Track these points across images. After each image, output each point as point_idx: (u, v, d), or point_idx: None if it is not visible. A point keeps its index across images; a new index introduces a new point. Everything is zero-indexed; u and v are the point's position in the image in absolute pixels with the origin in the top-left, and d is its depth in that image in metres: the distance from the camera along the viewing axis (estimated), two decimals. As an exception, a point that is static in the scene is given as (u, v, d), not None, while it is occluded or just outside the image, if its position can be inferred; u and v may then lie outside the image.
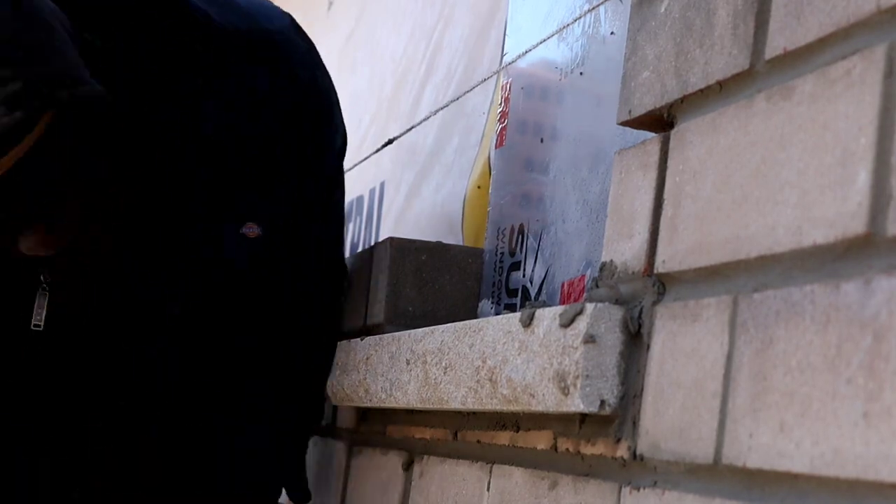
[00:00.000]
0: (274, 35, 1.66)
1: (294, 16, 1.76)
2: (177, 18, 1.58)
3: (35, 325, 1.63)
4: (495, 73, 1.99)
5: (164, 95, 1.58)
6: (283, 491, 1.78)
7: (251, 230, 1.62)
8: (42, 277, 1.62)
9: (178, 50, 1.58)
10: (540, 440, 1.18)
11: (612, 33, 1.60)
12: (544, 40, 1.72)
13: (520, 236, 1.81)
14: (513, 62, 1.84)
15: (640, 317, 1.01)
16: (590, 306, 1.02)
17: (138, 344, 1.65)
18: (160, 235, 1.62)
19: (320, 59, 1.73)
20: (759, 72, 0.90)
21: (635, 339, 1.01)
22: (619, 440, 1.02)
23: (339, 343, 1.74)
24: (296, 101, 1.65)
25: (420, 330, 1.42)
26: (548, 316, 1.08)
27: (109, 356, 1.66)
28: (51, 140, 1.42)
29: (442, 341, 1.33)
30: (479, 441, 1.34)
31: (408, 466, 1.56)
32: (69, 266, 1.63)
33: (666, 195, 1.00)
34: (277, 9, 1.73)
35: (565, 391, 1.03)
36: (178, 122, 1.59)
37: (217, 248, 1.62)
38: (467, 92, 2.04)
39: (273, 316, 1.69)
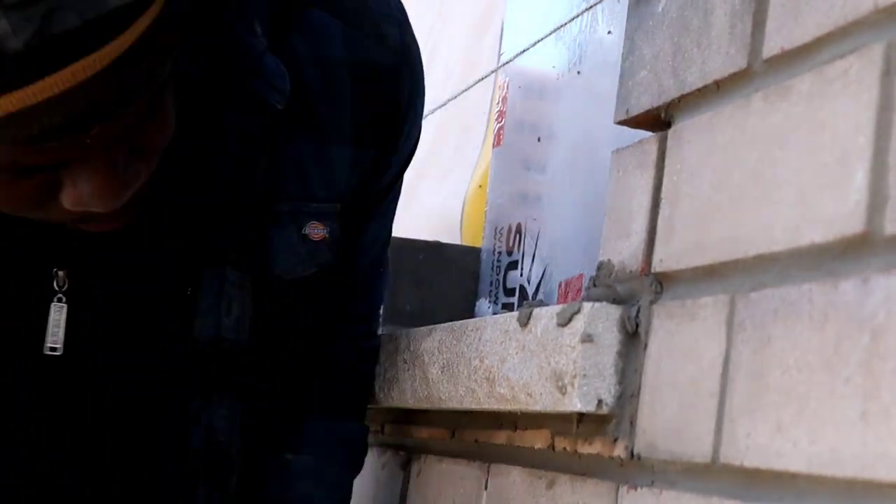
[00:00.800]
0: None
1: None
2: None
3: (51, 349, 1.24)
4: (492, 73, 1.99)
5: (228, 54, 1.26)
6: None
7: (317, 231, 1.34)
8: (55, 282, 1.24)
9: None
10: (537, 439, 1.18)
11: (609, 32, 1.60)
12: (541, 39, 1.72)
13: (517, 235, 1.81)
14: (510, 61, 1.84)
15: (637, 316, 1.01)
16: (587, 305, 1.02)
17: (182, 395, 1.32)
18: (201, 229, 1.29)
19: (410, 25, 1.39)
20: (757, 71, 0.90)
21: (633, 339, 1.01)
22: (616, 439, 1.02)
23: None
24: (385, 65, 1.34)
25: (417, 329, 1.42)
26: (545, 315, 1.08)
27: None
28: (166, 22, 1.00)
29: (440, 340, 1.33)
30: (476, 440, 1.34)
31: (406, 466, 1.56)
32: (94, 265, 1.26)
33: (663, 194, 1.00)
34: None
35: (563, 390, 1.03)
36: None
37: (274, 249, 1.33)
38: (464, 91, 2.04)
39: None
